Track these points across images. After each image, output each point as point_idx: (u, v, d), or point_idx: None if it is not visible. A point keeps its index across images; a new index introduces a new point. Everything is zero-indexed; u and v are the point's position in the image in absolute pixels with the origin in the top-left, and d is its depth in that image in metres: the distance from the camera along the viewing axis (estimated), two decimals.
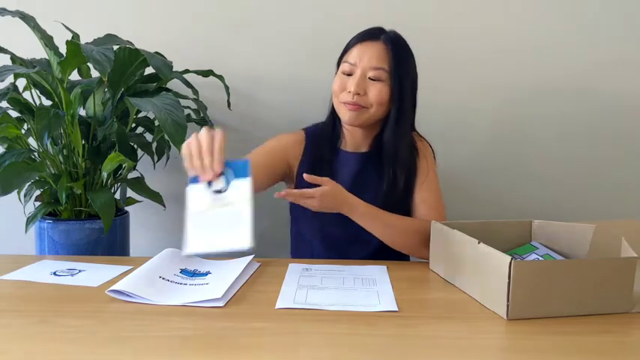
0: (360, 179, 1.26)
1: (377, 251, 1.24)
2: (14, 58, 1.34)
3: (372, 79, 1.19)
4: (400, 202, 1.24)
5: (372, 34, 1.23)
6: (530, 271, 0.84)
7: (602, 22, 1.68)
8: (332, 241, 1.26)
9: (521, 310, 0.84)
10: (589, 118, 1.72)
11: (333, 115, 1.30)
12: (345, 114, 1.22)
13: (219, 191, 0.84)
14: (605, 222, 1.05)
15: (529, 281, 0.83)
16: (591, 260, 0.94)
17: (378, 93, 1.19)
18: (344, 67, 1.22)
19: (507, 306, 0.83)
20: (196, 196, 0.87)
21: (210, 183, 0.85)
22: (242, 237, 0.83)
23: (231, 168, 0.87)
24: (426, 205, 1.24)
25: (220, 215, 0.85)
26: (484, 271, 0.90)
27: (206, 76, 1.46)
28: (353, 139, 1.30)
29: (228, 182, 0.84)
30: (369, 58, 1.19)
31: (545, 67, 1.68)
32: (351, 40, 1.25)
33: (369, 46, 1.21)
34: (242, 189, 0.85)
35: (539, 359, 0.72)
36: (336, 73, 1.27)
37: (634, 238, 0.93)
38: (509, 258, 0.83)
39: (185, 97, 1.46)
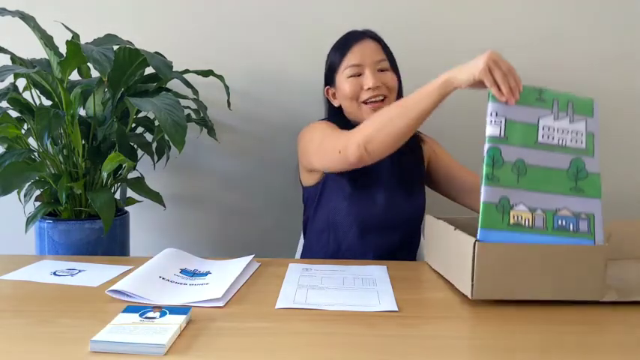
0: (396, 168, 1.30)
1: (407, 235, 1.31)
2: (14, 58, 1.34)
3: (380, 71, 1.27)
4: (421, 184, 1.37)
5: (358, 36, 1.29)
6: (495, 253, 0.87)
7: (605, 16, 1.68)
8: (370, 226, 1.27)
9: (486, 291, 0.87)
10: None
11: (341, 116, 1.33)
12: (368, 114, 1.25)
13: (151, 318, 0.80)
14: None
15: (493, 263, 0.87)
16: (556, 246, 0.91)
17: (391, 80, 1.28)
18: (348, 71, 1.27)
19: (472, 286, 0.87)
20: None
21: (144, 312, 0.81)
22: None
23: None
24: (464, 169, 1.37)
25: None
26: (457, 255, 0.94)
27: (206, 76, 1.46)
28: None
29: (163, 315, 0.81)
30: (369, 53, 1.27)
31: (544, 62, 1.67)
32: (338, 50, 1.30)
33: (363, 44, 1.28)
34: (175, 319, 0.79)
35: (541, 359, 0.73)
36: (328, 87, 1.33)
37: (620, 238, 0.95)
38: (473, 239, 0.86)
39: (185, 97, 1.46)
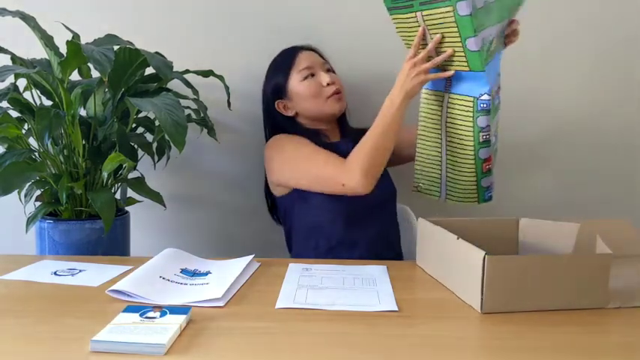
0: None
1: (389, 217, 1.39)
2: (14, 58, 1.34)
3: (329, 71, 1.40)
4: None
5: (298, 48, 1.42)
6: (504, 266, 0.86)
7: (600, 24, 1.69)
8: (352, 217, 1.31)
9: (495, 305, 0.86)
10: (576, 120, 1.73)
11: (295, 125, 1.40)
12: (334, 106, 1.37)
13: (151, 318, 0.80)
14: (590, 221, 1.06)
15: (503, 276, 0.86)
16: (564, 256, 0.97)
17: (338, 79, 1.41)
18: (301, 75, 1.36)
19: (481, 300, 0.86)
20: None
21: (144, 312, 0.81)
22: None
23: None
24: None
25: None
26: (463, 267, 0.93)
27: (206, 76, 1.46)
28: (332, 133, 1.43)
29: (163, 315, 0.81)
30: (314, 59, 1.40)
31: (534, 68, 1.68)
32: (282, 64, 1.41)
33: (305, 53, 1.40)
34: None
35: (542, 358, 0.73)
36: (279, 101, 1.40)
37: (616, 237, 0.96)
38: (482, 253, 0.85)
39: (185, 97, 1.46)
